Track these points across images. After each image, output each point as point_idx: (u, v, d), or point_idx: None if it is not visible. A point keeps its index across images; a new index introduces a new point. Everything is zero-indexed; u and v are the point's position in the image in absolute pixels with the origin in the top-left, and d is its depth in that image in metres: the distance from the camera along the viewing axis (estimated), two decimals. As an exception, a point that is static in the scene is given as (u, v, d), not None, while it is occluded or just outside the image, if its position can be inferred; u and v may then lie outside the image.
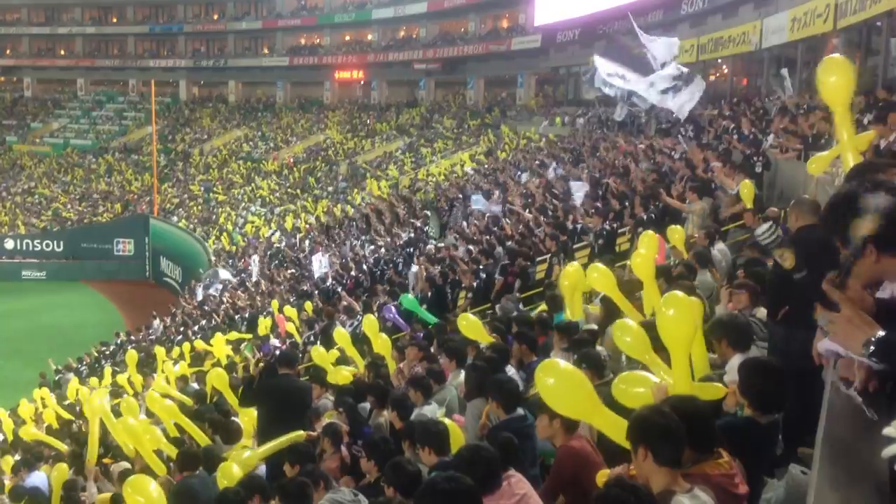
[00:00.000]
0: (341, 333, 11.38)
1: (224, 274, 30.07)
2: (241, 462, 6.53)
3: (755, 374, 4.05)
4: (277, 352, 16.02)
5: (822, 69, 5.83)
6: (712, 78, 24.47)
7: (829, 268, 2.51)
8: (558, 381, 4.18)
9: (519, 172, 24.66)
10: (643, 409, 3.34)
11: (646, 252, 7.37)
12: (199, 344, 18.79)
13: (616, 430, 4.02)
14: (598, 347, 6.64)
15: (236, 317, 22.07)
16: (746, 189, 10.19)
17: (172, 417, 9.60)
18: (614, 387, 4.70)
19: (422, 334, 10.61)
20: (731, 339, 5.08)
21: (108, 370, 19.83)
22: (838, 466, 2.13)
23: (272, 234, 35.32)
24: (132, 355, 17.77)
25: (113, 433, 9.77)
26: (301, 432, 6.98)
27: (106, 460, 9.79)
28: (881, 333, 2.20)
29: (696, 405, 3.54)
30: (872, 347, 2.19)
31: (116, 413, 10.26)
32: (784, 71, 19.11)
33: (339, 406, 7.23)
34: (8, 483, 11.15)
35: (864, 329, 2.23)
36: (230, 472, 6.50)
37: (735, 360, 4.77)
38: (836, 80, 5.74)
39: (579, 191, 16.47)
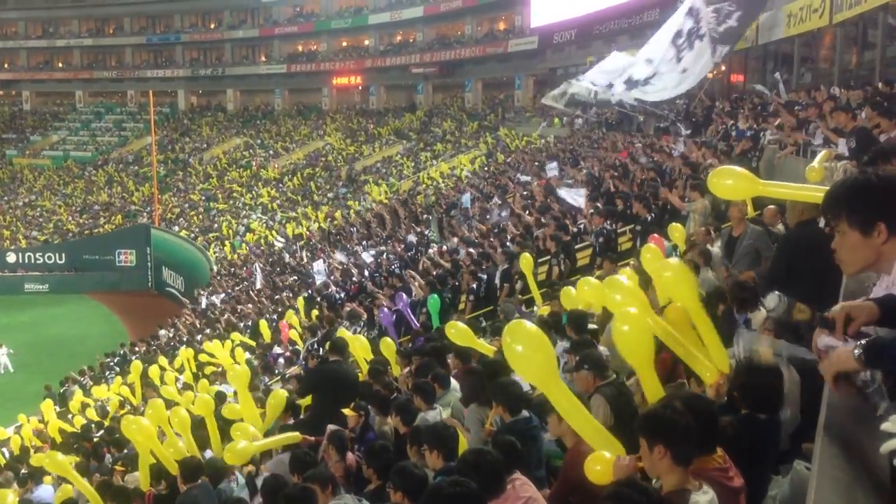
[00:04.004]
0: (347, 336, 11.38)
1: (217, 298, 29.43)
2: (235, 452, 6.45)
3: (747, 372, 4.00)
4: (281, 360, 16.04)
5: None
6: (710, 75, 24.42)
7: (823, 267, 2.47)
8: (524, 345, 3.94)
9: (518, 175, 24.65)
10: (661, 406, 3.21)
11: (654, 249, 7.41)
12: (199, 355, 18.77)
13: (570, 412, 4.13)
14: (601, 348, 6.63)
15: (240, 325, 22.06)
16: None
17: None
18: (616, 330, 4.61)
19: (421, 339, 10.54)
20: None
21: (101, 388, 19.81)
22: (838, 461, 2.14)
23: (272, 243, 35.29)
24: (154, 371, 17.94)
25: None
26: (297, 434, 6.95)
27: (118, 467, 9.72)
28: (863, 341, 2.21)
29: (704, 402, 3.50)
30: (861, 354, 2.20)
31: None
32: (777, 74, 18.98)
33: (358, 410, 7.22)
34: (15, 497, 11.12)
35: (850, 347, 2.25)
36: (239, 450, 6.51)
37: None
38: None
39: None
